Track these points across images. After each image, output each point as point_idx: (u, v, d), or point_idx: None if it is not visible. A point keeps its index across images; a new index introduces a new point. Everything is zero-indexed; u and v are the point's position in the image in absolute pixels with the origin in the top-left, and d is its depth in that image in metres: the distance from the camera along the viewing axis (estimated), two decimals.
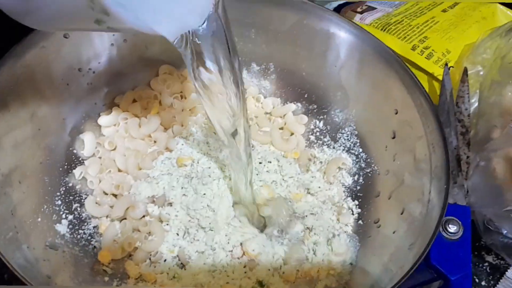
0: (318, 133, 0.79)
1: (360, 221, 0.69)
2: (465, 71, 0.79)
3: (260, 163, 0.70)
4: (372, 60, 0.70)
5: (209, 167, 0.68)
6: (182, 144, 0.70)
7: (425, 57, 0.84)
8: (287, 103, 0.80)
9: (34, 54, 0.65)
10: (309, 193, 0.71)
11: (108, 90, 0.76)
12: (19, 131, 0.63)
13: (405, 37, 0.87)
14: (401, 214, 0.64)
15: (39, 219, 0.63)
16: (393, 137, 0.69)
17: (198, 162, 0.69)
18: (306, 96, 0.80)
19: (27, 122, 0.65)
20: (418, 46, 0.85)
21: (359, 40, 0.71)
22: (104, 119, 0.73)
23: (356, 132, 0.76)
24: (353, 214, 0.70)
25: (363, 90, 0.73)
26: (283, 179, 0.71)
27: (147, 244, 0.63)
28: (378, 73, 0.70)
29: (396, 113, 0.68)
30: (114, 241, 0.64)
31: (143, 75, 0.79)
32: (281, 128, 0.78)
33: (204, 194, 0.65)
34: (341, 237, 0.65)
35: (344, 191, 0.72)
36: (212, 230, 0.64)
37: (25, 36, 0.63)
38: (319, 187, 0.71)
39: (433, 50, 0.85)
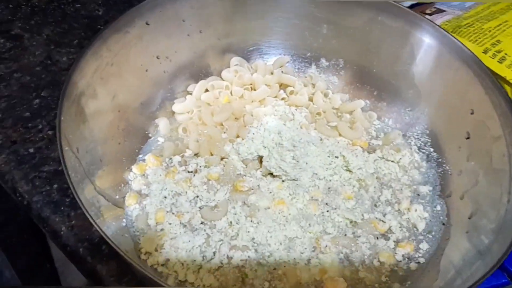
0: None
1: (429, 220, 0.69)
2: None
3: (328, 157, 0.71)
4: (448, 59, 0.70)
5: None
6: (254, 134, 0.71)
7: (498, 61, 0.82)
8: (355, 100, 0.81)
9: (118, 39, 0.67)
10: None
11: (182, 79, 0.78)
12: (103, 113, 0.66)
13: (476, 40, 0.86)
14: (475, 215, 0.63)
15: (117, 196, 0.65)
16: (467, 138, 0.68)
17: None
18: (375, 93, 0.80)
19: (109, 104, 0.68)
20: (490, 50, 0.84)
21: (435, 39, 0.71)
22: (178, 106, 0.75)
23: (428, 132, 0.75)
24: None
25: (436, 89, 0.73)
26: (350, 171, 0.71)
27: None
28: (453, 73, 0.70)
29: (472, 113, 0.67)
30: None
31: (214, 66, 0.81)
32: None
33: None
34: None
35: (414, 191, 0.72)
36: None
37: (111, 22, 0.66)
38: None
39: (506, 54, 0.83)
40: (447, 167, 0.71)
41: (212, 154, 0.71)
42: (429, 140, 0.75)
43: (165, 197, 0.66)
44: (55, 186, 0.71)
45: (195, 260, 0.61)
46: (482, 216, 0.62)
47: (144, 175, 0.69)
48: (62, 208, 0.69)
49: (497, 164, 0.62)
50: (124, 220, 0.64)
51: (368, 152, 0.74)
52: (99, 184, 0.62)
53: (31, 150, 0.75)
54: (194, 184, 0.67)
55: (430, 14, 0.93)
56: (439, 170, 0.72)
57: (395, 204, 0.69)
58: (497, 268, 0.51)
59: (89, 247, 0.65)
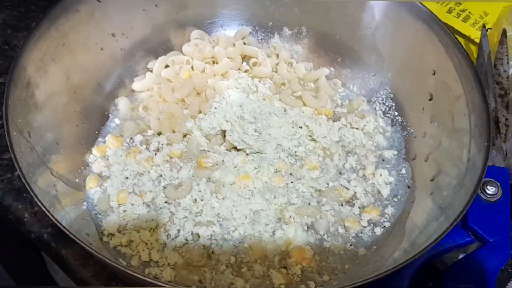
0: None
1: (395, 185, 0.68)
2: (504, 32, 0.77)
3: (292, 127, 0.70)
4: (408, 21, 0.69)
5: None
6: (216, 108, 0.70)
7: (462, 20, 0.82)
8: (320, 68, 0.79)
9: (68, 18, 0.65)
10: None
11: (141, 56, 0.77)
12: (56, 95, 0.64)
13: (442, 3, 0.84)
14: (439, 175, 0.63)
15: (76, 180, 0.64)
16: (430, 99, 0.68)
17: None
18: (339, 60, 0.78)
19: (63, 86, 0.66)
20: (454, 9, 0.83)
21: (395, 3, 0.69)
22: (138, 84, 0.74)
23: (392, 96, 0.74)
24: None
25: (398, 52, 0.72)
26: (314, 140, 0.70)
27: None
28: (414, 34, 0.68)
29: (434, 74, 0.67)
30: None
31: (174, 41, 0.79)
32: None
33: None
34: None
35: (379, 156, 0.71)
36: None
37: (59, 1, 0.64)
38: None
39: (470, 12, 0.82)
40: (411, 130, 0.71)
41: (174, 132, 0.70)
42: (393, 104, 0.74)
43: (127, 178, 0.65)
44: (16, 173, 0.69)
45: (158, 239, 0.60)
46: (444, 176, 0.62)
47: (104, 156, 0.67)
48: (24, 195, 0.68)
49: (459, 123, 0.62)
50: (85, 203, 0.63)
51: (333, 120, 0.73)
52: (56, 168, 0.60)
53: None
54: (156, 163, 0.66)
55: None
56: (404, 134, 0.72)
57: (360, 170, 0.69)
58: (457, 222, 0.52)
59: (53, 232, 0.64)
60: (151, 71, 0.76)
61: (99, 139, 0.70)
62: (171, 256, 0.59)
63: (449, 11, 0.83)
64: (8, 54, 0.84)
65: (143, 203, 0.63)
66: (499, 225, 0.61)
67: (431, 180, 0.64)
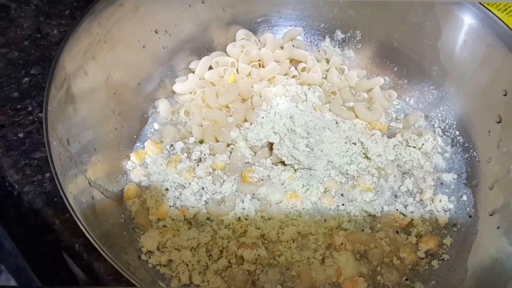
0: None
1: (455, 212, 0.63)
2: None
3: (345, 143, 0.64)
4: (479, 33, 0.63)
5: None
6: (263, 118, 0.65)
7: None
8: (373, 77, 0.74)
9: (111, 12, 0.60)
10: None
11: (183, 55, 0.72)
12: (95, 96, 0.60)
13: (505, 9, 0.78)
14: (507, 207, 0.57)
15: (114, 189, 0.60)
16: (499, 121, 0.62)
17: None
18: (396, 69, 0.73)
19: (102, 85, 0.61)
20: None
21: (465, 10, 0.63)
22: (179, 86, 0.69)
23: (453, 113, 0.69)
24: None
25: (465, 66, 0.66)
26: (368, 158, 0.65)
27: None
28: (485, 48, 0.62)
29: (505, 95, 0.61)
30: None
31: (218, 40, 0.74)
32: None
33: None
34: None
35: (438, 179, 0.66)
36: None
37: None
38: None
39: None
40: (474, 153, 0.66)
41: (217, 141, 0.65)
42: (455, 123, 0.68)
43: (167, 190, 0.61)
44: (47, 174, 0.66)
45: (200, 260, 0.56)
46: None
47: (143, 164, 0.63)
48: (55, 199, 0.64)
49: None
50: (123, 215, 0.59)
51: (387, 136, 0.67)
52: (93, 176, 0.56)
53: (21, 135, 0.69)
54: (198, 175, 0.62)
55: None
56: (465, 156, 0.66)
57: (417, 194, 0.64)
58: None
59: (86, 243, 0.60)
60: (193, 72, 0.71)
61: (138, 144, 0.66)
62: (213, 280, 0.55)
63: None
64: (40, 43, 0.80)
65: (184, 219, 0.58)
66: None
67: (498, 213, 0.58)
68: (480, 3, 0.62)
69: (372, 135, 0.67)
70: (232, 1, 0.71)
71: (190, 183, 0.61)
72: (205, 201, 0.61)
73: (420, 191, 0.64)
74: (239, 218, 0.59)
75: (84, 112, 0.57)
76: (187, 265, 0.56)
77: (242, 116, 0.66)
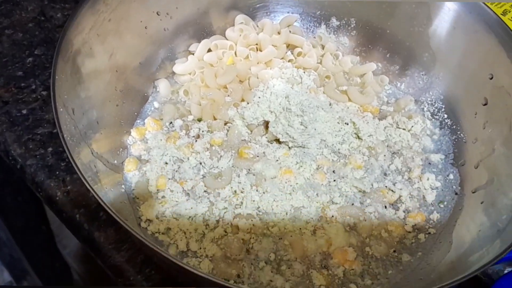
0: None
1: (441, 190, 0.66)
2: None
3: (338, 123, 0.67)
4: (468, 21, 0.65)
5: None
6: (259, 97, 0.67)
7: None
8: (366, 62, 0.76)
9: None
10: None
11: (184, 37, 0.74)
12: (99, 72, 0.62)
13: (497, 4, 0.81)
14: (491, 185, 0.60)
15: (115, 161, 0.62)
16: (485, 104, 0.65)
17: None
18: (388, 55, 0.75)
19: (106, 63, 0.64)
20: (510, 11, 0.79)
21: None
22: (179, 67, 0.71)
23: (442, 97, 0.71)
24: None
25: (454, 53, 0.69)
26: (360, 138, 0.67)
27: None
28: (473, 35, 0.65)
29: (491, 78, 0.64)
30: None
31: (218, 24, 0.76)
32: None
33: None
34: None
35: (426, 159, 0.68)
36: None
37: None
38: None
39: None
40: (461, 135, 0.68)
41: (215, 119, 0.68)
42: (443, 106, 0.71)
43: (166, 163, 0.63)
44: (50, 149, 0.68)
45: (197, 229, 0.58)
46: (498, 187, 0.59)
47: (143, 139, 0.65)
48: (57, 172, 0.66)
49: None
50: (123, 186, 0.61)
51: (378, 118, 0.70)
52: (96, 148, 0.58)
53: (24, 112, 0.71)
54: (196, 150, 0.64)
55: None
56: (453, 138, 0.69)
57: (406, 172, 0.66)
58: None
59: (86, 214, 0.63)
60: (193, 54, 0.73)
61: (138, 121, 0.68)
62: (209, 247, 0.57)
63: (504, 13, 0.79)
64: (44, 25, 0.82)
65: (182, 191, 0.61)
66: None
67: (483, 189, 0.61)
68: None
69: (364, 117, 0.69)
70: None
71: (188, 158, 0.64)
72: (202, 175, 0.63)
73: (408, 170, 0.66)
74: (235, 191, 0.61)
75: (88, 85, 0.59)
76: (184, 233, 0.58)
77: (239, 96, 0.69)
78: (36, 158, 0.67)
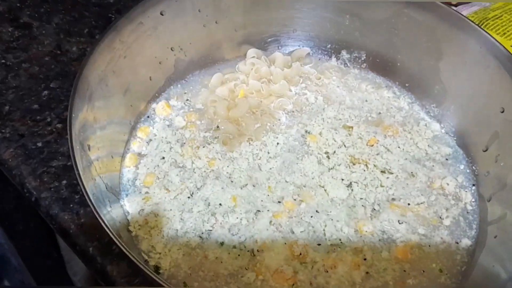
0: None
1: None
2: None
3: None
4: (478, 55, 0.66)
5: None
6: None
7: None
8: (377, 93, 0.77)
9: (131, 30, 0.64)
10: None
11: (197, 71, 0.75)
12: (115, 108, 0.64)
13: (504, 33, 0.82)
14: (504, 219, 0.60)
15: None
16: (497, 138, 0.65)
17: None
18: (399, 88, 0.76)
19: (121, 98, 0.65)
20: None
21: (464, 33, 0.67)
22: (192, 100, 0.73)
23: (453, 129, 0.72)
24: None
25: (464, 86, 0.69)
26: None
27: None
28: (483, 69, 0.66)
29: (502, 112, 0.64)
30: None
31: (230, 57, 0.78)
32: None
33: None
34: None
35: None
36: None
37: (125, 12, 0.63)
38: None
39: None
40: (473, 167, 0.68)
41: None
42: (455, 139, 0.71)
43: (163, 158, 0.67)
44: (64, 182, 0.69)
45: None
46: (510, 221, 0.59)
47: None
48: (71, 205, 0.67)
49: None
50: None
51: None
52: (109, 182, 0.59)
53: (39, 144, 0.72)
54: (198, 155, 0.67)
55: (455, 5, 0.89)
56: (467, 172, 0.69)
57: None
58: None
59: (99, 247, 0.63)
60: (205, 88, 0.75)
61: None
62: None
63: None
64: (59, 59, 0.84)
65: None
66: None
67: (495, 223, 0.61)
68: (480, 27, 0.66)
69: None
70: (244, 22, 0.75)
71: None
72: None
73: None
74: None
75: (104, 121, 0.61)
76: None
77: (251, 131, 0.70)
78: (50, 191, 0.68)
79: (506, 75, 0.63)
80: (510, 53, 0.63)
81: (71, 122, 0.53)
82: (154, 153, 0.66)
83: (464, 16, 0.67)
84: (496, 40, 0.64)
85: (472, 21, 0.66)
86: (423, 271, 0.60)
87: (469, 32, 0.66)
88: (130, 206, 0.62)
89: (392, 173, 0.67)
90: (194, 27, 0.72)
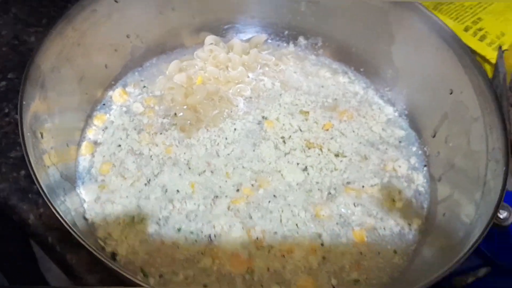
0: None
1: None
2: None
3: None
4: (428, 39, 0.68)
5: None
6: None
7: (478, 39, 0.81)
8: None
9: (84, 17, 0.64)
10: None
11: (154, 59, 0.76)
12: (69, 96, 0.64)
13: (457, 18, 0.84)
14: (452, 197, 0.62)
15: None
16: (446, 118, 0.67)
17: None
18: (354, 72, 0.78)
19: (75, 86, 0.65)
20: (471, 28, 0.82)
21: (416, 18, 0.68)
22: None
23: (406, 112, 0.74)
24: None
25: (415, 69, 0.71)
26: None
27: None
28: (433, 52, 0.67)
29: (451, 93, 0.66)
30: None
31: (188, 45, 0.79)
32: None
33: None
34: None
35: None
36: None
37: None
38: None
39: (486, 32, 0.81)
40: (425, 149, 0.70)
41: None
42: (408, 121, 0.73)
43: (120, 146, 0.67)
44: (23, 172, 0.69)
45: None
46: (459, 198, 0.61)
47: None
48: (30, 195, 0.67)
49: (475, 145, 0.61)
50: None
51: None
52: (65, 170, 0.60)
53: None
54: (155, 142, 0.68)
55: None
56: (419, 153, 0.71)
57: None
58: (473, 250, 0.51)
59: (58, 236, 0.63)
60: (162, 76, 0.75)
61: None
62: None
63: (466, 29, 0.82)
64: (18, 49, 0.83)
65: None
66: (510, 250, 0.60)
67: (444, 202, 0.63)
68: (428, 10, 0.68)
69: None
70: (201, 9, 0.76)
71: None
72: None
73: None
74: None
75: (57, 110, 0.61)
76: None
77: (209, 117, 0.71)
78: (9, 182, 0.68)
79: (454, 58, 0.65)
80: (456, 35, 0.65)
81: (21, 111, 0.53)
82: (110, 141, 0.67)
83: (415, 1, 0.69)
84: (443, 22, 0.66)
85: (422, 5, 0.68)
86: (379, 253, 0.62)
87: (419, 16, 0.68)
88: (86, 194, 0.62)
89: (345, 157, 0.68)
90: (151, 14, 0.72)
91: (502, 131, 0.57)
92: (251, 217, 0.63)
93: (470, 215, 0.57)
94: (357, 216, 0.64)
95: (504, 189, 0.54)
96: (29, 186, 0.67)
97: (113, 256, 0.59)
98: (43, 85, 0.58)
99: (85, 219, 0.61)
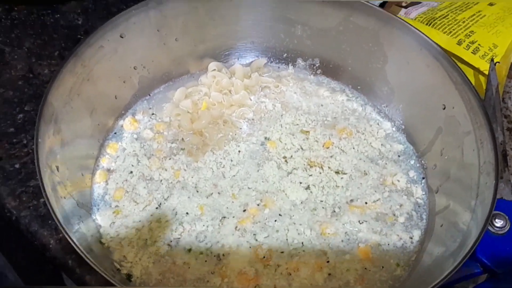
0: None
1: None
2: None
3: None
4: (418, 56, 0.71)
5: None
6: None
7: (471, 52, 0.84)
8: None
9: (92, 54, 0.68)
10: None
11: (162, 87, 0.80)
12: (82, 128, 0.68)
13: (450, 32, 0.86)
14: (447, 208, 0.65)
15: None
16: (440, 133, 0.70)
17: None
18: (351, 91, 0.81)
19: (87, 118, 0.69)
20: (464, 41, 0.85)
21: (405, 36, 0.71)
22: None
23: (403, 127, 0.77)
24: None
25: (409, 86, 0.74)
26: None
27: None
28: (425, 69, 0.70)
29: (444, 109, 0.69)
30: None
31: (192, 72, 0.83)
32: None
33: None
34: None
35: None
36: None
37: (85, 38, 0.67)
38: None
39: (479, 44, 0.84)
40: (422, 162, 0.73)
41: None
42: (405, 136, 0.76)
43: (131, 172, 0.71)
44: (42, 200, 0.73)
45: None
46: (455, 209, 0.64)
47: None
48: (49, 221, 0.71)
49: (468, 158, 0.64)
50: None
51: None
52: (81, 199, 0.64)
53: (17, 166, 0.76)
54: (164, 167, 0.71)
55: (405, 7, 0.93)
56: (417, 166, 0.74)
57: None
58: (468, 257, 0.53)
59: (77, 259, 0.67)
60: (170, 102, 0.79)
61: None
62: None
63: (459, 43, 0.85)
64: (32, 82, 0.88)
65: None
66: (507, 258, 0.62)
67: (441, 213, 0.66)
68: (417, 29, 0.71)
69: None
70: (202, 37, 0.80)
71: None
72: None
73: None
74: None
75: (71, 141, 0.65)
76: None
77: (214, 141, 0.75)
78: (29, 209, 0.72)
79: (444, 74, 0.68)
80: (445, 52, 0.68)
81: (37, 148, 0.57)
82: (122, 168, 0.71)
83: (402, 19, 0.72)
84: (432, 40, 0.69)
85: (410, 24, 0.71)
86: (382, 267, 0.65)
87: (408, 34, 0.71)
88: (101, 220, 0.66)
89: (346, 174, 0.71)
90: (155, 46, 0.76)
91: (492, 145, 0.60)
92: (257, 236, 0.66)
93: (466, 223, 0.59)
94: (362, 233, 0.67)
95: (494, 201, 0.56)
96: (48, 213, 0.71)
97: (129, 277, 0.62)
98: (56, 120, 0.62)
99: (101, 243, 0.65)
